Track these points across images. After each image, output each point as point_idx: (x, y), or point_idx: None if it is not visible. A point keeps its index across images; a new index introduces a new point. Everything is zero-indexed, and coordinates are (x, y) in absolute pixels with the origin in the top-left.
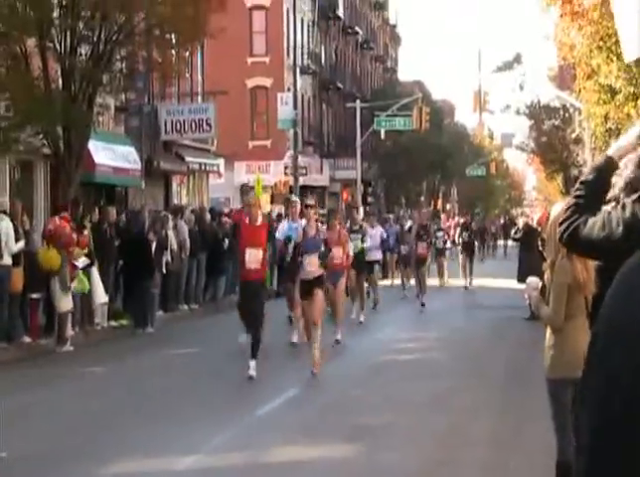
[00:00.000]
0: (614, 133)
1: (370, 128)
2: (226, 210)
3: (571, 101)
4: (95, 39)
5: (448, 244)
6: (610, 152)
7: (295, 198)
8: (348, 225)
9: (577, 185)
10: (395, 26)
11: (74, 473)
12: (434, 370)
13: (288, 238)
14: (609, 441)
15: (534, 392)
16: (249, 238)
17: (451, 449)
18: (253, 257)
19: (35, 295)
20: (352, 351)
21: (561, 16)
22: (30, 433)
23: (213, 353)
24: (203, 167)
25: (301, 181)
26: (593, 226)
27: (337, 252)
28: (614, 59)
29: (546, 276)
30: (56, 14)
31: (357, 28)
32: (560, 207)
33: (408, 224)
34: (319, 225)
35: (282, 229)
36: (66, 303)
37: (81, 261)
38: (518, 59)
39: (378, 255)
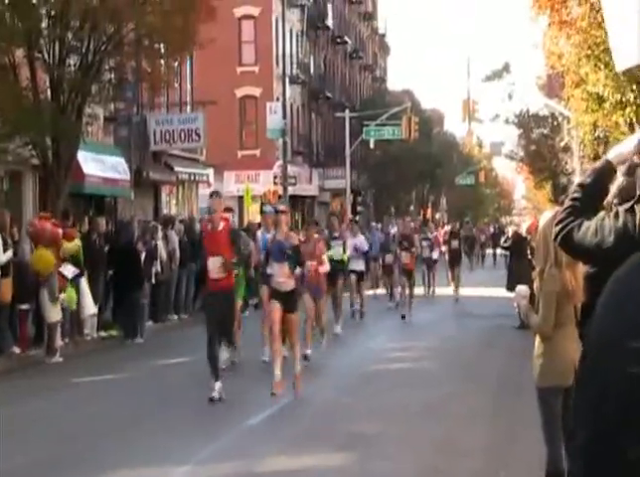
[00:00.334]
0: (602, 141)
1: (359, 138)
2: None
3: (560, 110)
4: (84, 49)
5: (436, 254)
6: (610, 157)
7: (269, 208)
8: (327, 233)
9: (575, 187)
10: (384, 35)
11: None
12: (426, 378)
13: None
14: (605, 447)
15: (525, 400)
16: (211, 245)
17: (444, 458)
18: (216, 266)
19: (24, 306)
20: (343, 360)
21: (550, 25)
22: (21, 444)
23: (203, 363)
24: (192, 177)
25: (290, 190)
26: (587, 230)
27: (313, 266)
28: (602, 67)
29: (535, 285)
30: (44, 24)
31: (346, 37)
32: (549, 215)
33: (392, 231)
34: (291, 233)
35: (259, 237)
36: (55, 314)
37: (71, 271)
38: (507, 68)
39: (361, 265)
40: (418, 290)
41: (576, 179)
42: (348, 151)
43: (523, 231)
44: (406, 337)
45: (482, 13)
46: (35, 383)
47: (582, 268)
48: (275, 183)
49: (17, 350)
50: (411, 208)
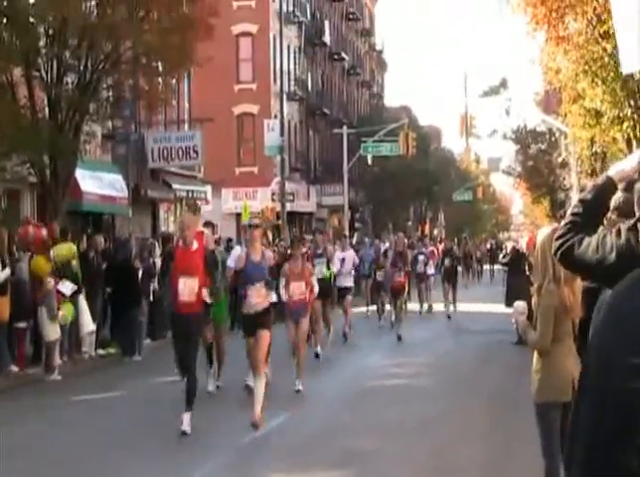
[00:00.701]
0: (600, 157)
1: (356, 154)
2: (215, 236)
3: (558, 125)
4: (82, 67)
5: (431, 270)
6: (611, 173)
7: (256, 221)
8: (311, 249)
9: (576, 202)
10: (381, 52)
11: None
12: (422, 394)
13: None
14: (605, 460)
15: (522, 416)
16: (183, 264)
17: (440, 474)
18: (188, 288)
19: (21, 324)
20: (338, 376)
21: (547, 41)
22: (19, 464)
23: (201, 380)
24: (190, 194)
25: (288, 207)
26: (587, 247)
27: (299, 287)
28: (599, 83)
29: (533, 301)
30: (42, 43)
31: (343, 54)
32: (546, 231)
33: (384, 247)
34: (266, 251)
35: (234, 255)
36: (53, 332)
37: (69, 289)
38: (504, 83)
39: (350, 281)
40: (414, 306)
41: (574, 195)
42: (346, 167)
43: (521, 246)
44: (402, 353)
45: (479, 29)
46: (33, 401)
47: (580, 284)
48: (273, 200)
49: (15, 368)
50: (409, 224)
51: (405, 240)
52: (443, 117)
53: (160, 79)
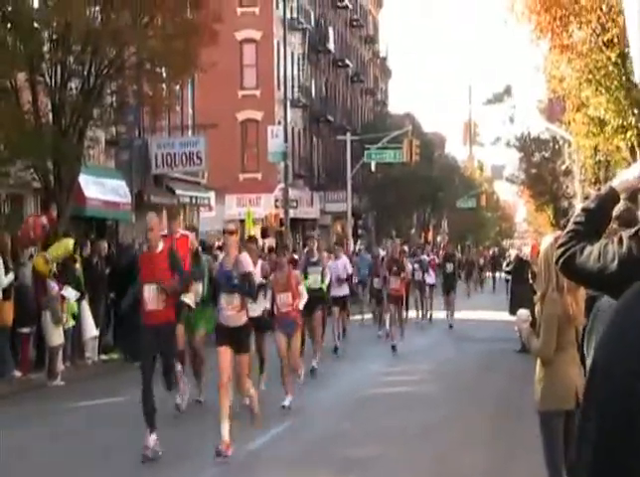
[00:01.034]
0: (604, 165)
1: (360, 161)
2: (217, 243)
3: (561, 133)
4: (86, 73)
5: (430, 279)
6: (614, 183)
7: (231, 227)
8: (304, 257)
9: (578, 211)
10: (385, 59)
11: None
12: (424, 402)
13: None
14: (611, 463)
15: (525, 424)
16: (147, 269)
17: None
18: (153, 295)
19: (25, 329)
20: (339, 383)
21: (551, 49)
22: (22, 469)
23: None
24: (194, 200)
25: (291, 214)
26: (589, 255)
27: (286, 298)
28: (603, 91)
29: (536, 309)
30: (46, 48)
31: (347, 61)
32: (550, 239)
33: (382, 254)
34: (243, 257)
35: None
36: (57, 337)
37: (73, 295)
38: (508, 91)
39: (344, 291)
40: (414, 314)
41: (578, 202)
42: (349, 174)
43: (525, 254)
44: (406, 360)
45: (483, 37)
46: (36, 407)
47: (583, 292)
48: (277, 206)
49: (18, 374)
50: (413, 231)
51: (406, 247)
52: (447, 125)
53: (164, 85)
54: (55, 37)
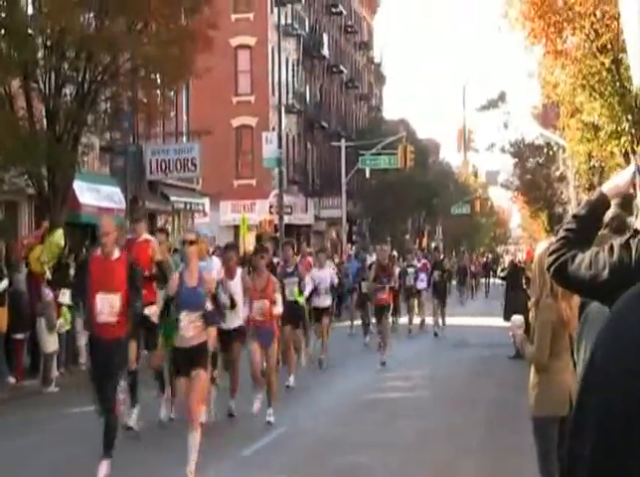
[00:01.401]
0: (598, 171)
1: (355, 167)
2: (211, 249)
3: (555, 139)
4: (80, 79)
5: (422, 284)
6: (604, 189)
7: (204, 231)
8: (280, 266)
9: (569, 218)
10: (379, 65)
11: None
12: (419, 409)
13: None
14: (611, 462)
15: (520, 430)
16: (100, 277)
17: None
18: (106, 306)
19: (19, 336)
20: (335, 390)
21: (545, 54)
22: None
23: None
24: (188, 206)
25: (286, 220)
26: (581, 263)
27: (264, 306)
28: (597, 97)
29: (530, 315)
30: (40, 54)
31: (341, 67)
32: (544, 245)
33: (370, 259)
34: (208, 274)
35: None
36: (51, 344)
37: (68, 297)
38: (502, 97)
39: (327, 301)
40: (406, 320)
41: (572, 208)
42: (344, 180)
43: (519, 260)
44: (399, 368)
45: (478, 43)
46: (30, 413)
47: (577, 299)
48: (271, 212)
49: (12, 380)
50: (407, 237)
51: (395, 253)
52: (442, 131)
53: (158, 92)
54: (49, 43)
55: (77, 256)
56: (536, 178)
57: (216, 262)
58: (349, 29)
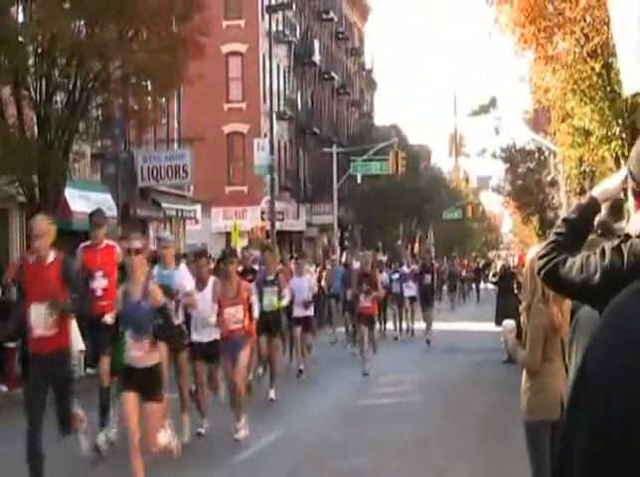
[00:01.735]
0: (589, 175)
1: (346, 173)
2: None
3: (546, 144)
4: (71, 86)
5: (410, 291)
6: (595, 193)
7: (166, 235)
8: (259, 274)
9: (559, 221)
10: (370, 71)
11: None
12: (413, 414)
13: None
14: (607, 463)
15: (513, 435)
16: (34, 285)
17: None
18: (42, 316)
19: (11, 344)
20: (330, 395)
21: (536, 60)
22: None
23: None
24: (180, 213)
25: (278, 226)
26: (572, 267)
27: (234, 314)
28: (588, 101)
29: (522, 320)
30: (31, 62)
31: (333, 73)
32: (536, 250)
33: (354, 265)
34: (155, 287)
35: (181, 275)
36: None
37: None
38: (493, 102)
39: (308, 311)
40: (390, 326)
41: (563, 213)
42: (335, 186)
43: (510, 265)
44: (391, 373)
45: (468, 48)
46: (23, 421)
47: (569, 303)
48: (263, 219)
49: (4, 388)
50: (399, 242)
51: (383, 258)
52: (433, 136)
53: (150, 99)
54: (40, 50)
55: None
56: (527, 183)
57: (183, 271)
58: (340, 35)
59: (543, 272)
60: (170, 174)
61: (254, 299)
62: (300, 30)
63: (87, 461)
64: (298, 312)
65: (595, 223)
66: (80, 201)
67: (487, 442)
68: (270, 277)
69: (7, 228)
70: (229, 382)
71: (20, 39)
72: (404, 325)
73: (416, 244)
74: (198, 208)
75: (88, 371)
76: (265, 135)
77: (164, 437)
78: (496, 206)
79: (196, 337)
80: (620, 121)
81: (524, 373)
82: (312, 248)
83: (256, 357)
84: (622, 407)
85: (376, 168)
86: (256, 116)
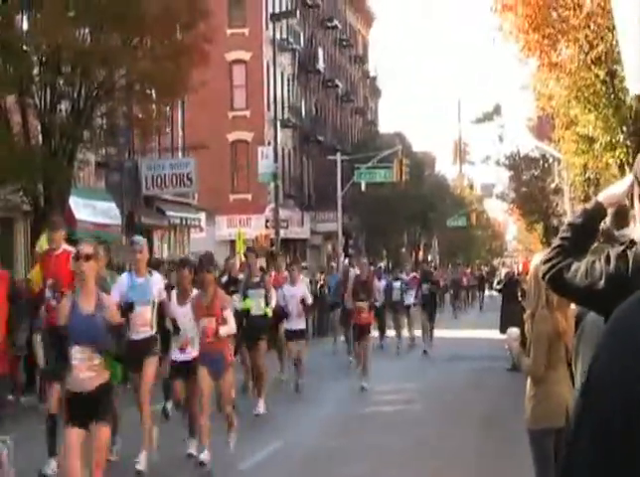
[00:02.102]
0: (593, 183)
1: (350, 180)
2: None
3: (551, 151)
4: (76, 95)
5: (410, 299)
6: (600, 198)
7: (138, 238)
8: (244, 277)
9: (565, 226)
10: (374, 78)
11: None
12: (415, 422)
13: (129, 306)
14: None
15: (517, 442)
16: None
17: None
18: None
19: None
20: (332, 402)
21: (539, 67)
22: None
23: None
24: (184, 221)
25: (282, 234)
26: (577, 271)
27: (211, 325)
28: (592, 109)
29: (526, 327)
30: (35, 70)
31: (337, 81)
32: (540, 257)
33: (353, 272)
34: (107, 297)
35: (120, 287)
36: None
37: None
38: (497, 110)
39: (300, 324)
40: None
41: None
42: (339, 194)
43: (515, 273)
44: (397, 378)
45: (472, 56)
46: (29, 429)
47: (573, 310)
48: (267, 227)
49: (9, 396)
50: (403, 250)
51: (382, 265)
52: (437, 144)
53: (154, 107)
54: (44, 59)
55: None
56: (531, 190)
57: (156, 280)
58: (344, 43)
59: (547, 277)
60: (174, 182)
61: (228, 314)
62: (304, 38)
63: None
64: (292, 324)
65: (601, 228)
66: (85, 209)
67: (490, 450)
68: (255, 279)
69: (12, 236)
70: (200, 404)
71: (25, 47)
72: (405, 334)
73: (421, 252)
74: (202, 216)
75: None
76: (269, 143)
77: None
78: (500, 213)
79: (176, 355)
80: (624, 128)
81: (528, 380)
82: (317, 256)
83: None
84: (623, 409)
85: (380, 176)
86: (260, 124)
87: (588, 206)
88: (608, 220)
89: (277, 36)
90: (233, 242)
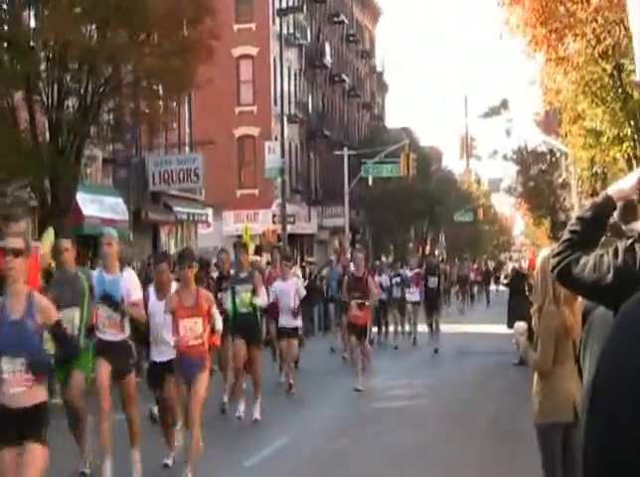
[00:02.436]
0: (600, 177)
1: (357, 175)
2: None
3: (558, 146)
4: (83, 91)
5: (414, 296)
6: (610, 192)
7: (108, 229)
8: (233, 272)
9: (574, 220)
10: (381, 73)
11: None
12: (423, 418)
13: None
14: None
15: (523, 438)
16: None
17: None
18: None
19: None
20: (338, 400)
21: (547, 61)
22: None
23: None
24: (191, 217)
25: (289, 229)
26: (585, 265)
27: (193, 328)
28: (599, 103)
29: (533, 322)
30: (43, 67)
31: (344, 76)
32: (547, 252)
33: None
34: (47, 302)
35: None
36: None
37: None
38: (504, 104)
39: (292, 322)
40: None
41: (575, 215)
42: (346, 189)
43: (522, 267)
44: (404, 375)
45: (479, 50)
46: None
47: (580, 304)
48: (274, 222)
49: None
50: (410, 245)
51: (384, 260)
52: (444, 138)
53: (161, 103)
54: (51, 55)
55: None
56: (538, 185)
57: (128, 277)
58: (351, 38)
59: (556, 270)
60: (181, 178)
61: (215, 311)
62: (311, 33)
63: None
64: (285, 322)
65: (610, 223)
66: (92, 205)
67: (498, 446)
68: (243, 275)
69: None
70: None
71: (32, 44)
72: (407, 330)
73: (428, 247)
74: (209, 211)
75: None
76: (276, 138)
77: None
78: (507, 208)
79: (155, 356)
80: (632, 122)
81: (535, 375)
82: (324, 251)
83: (230, 369)
84: (629, 403)
85: (387, 170)
86: (267, 119)
87: (598, 199)
88: (616, 214)
89: (284, 31)
90: (240, 238)
